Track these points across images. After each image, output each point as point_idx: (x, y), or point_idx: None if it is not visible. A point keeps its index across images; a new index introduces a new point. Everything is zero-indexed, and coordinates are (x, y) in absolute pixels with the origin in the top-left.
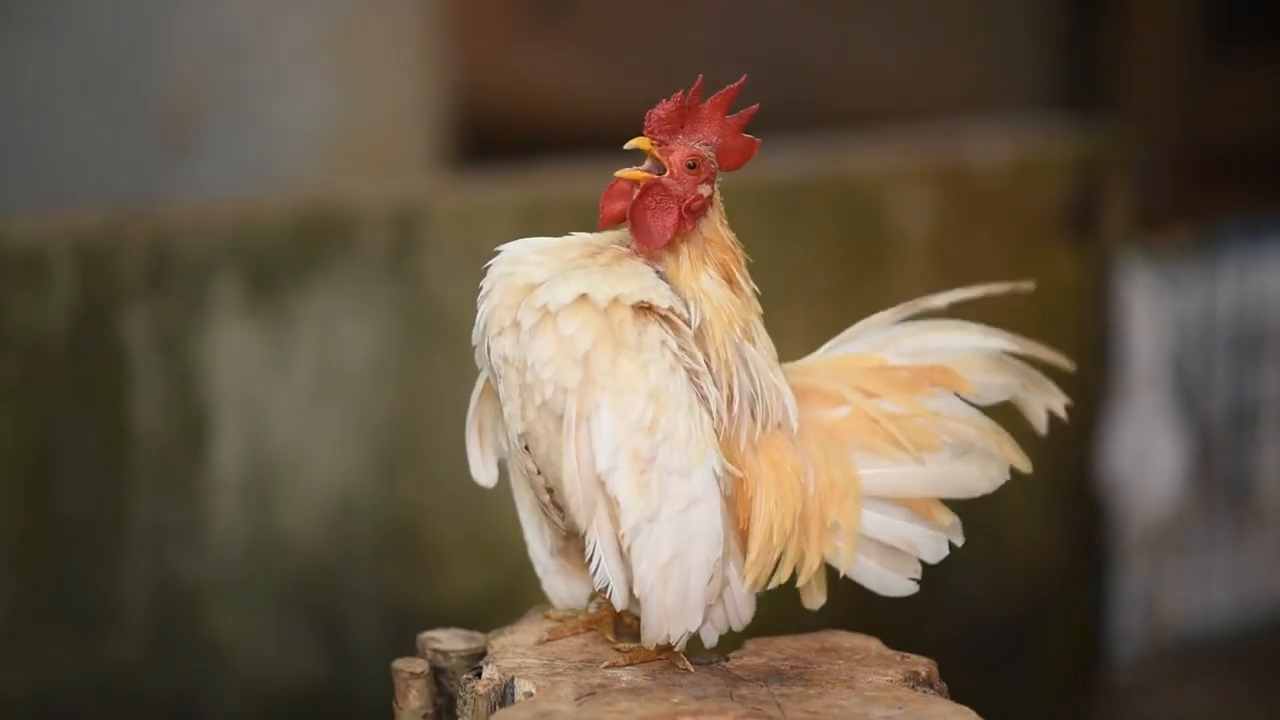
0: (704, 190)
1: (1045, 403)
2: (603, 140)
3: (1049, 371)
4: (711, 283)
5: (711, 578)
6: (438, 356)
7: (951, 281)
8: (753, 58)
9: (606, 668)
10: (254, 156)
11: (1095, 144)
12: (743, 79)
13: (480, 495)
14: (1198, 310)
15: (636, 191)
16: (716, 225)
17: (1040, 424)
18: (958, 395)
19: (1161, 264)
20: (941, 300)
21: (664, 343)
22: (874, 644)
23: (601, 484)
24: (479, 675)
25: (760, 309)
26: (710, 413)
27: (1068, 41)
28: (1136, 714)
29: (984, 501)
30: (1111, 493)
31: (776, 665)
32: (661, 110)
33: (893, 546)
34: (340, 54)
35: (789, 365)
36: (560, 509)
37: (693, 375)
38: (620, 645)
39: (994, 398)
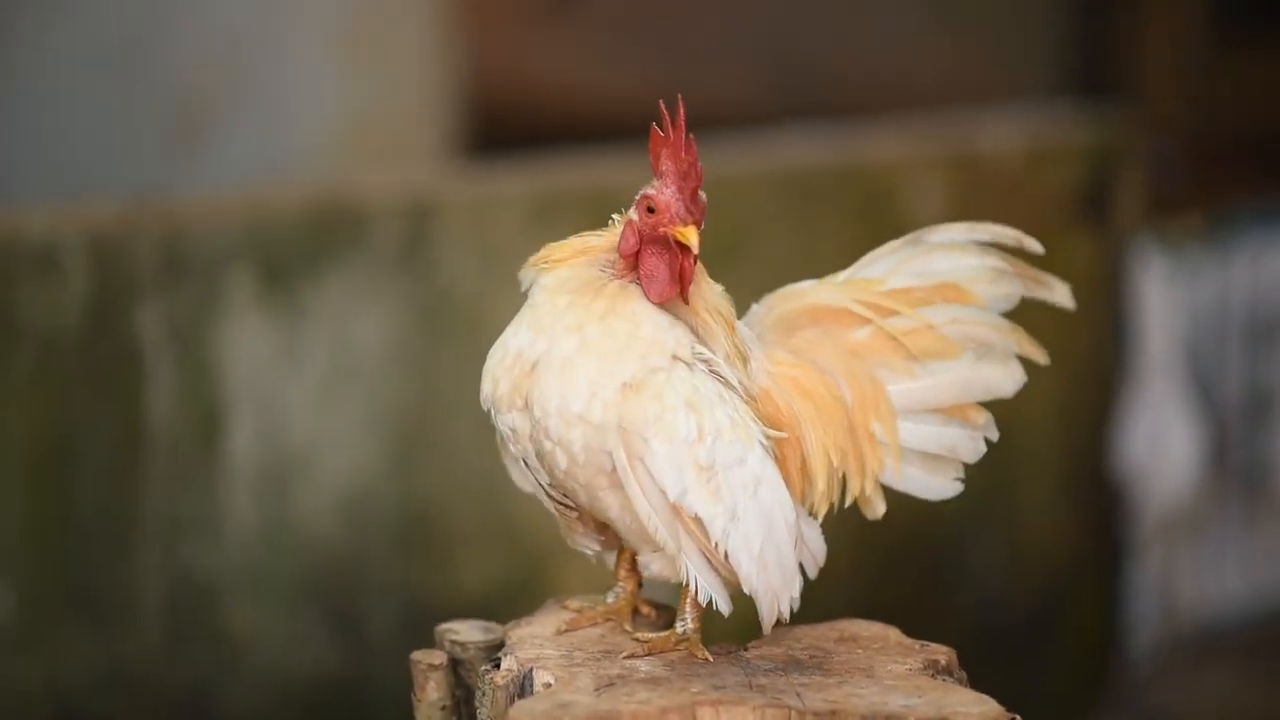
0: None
1: (1050, 298)
2: (615, 132)
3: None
4: None
5: (796, 541)
6: (451, 347)
7: None
8: (764, 47)
9: (625, 658)
10: (266, 149)
11: (1107, 131)
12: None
13: (495, 486)
14: (1211, 297)
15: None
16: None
17: (1065, 299)
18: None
19: (1175, 251)
20: (948, 234)
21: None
22: (893, 632)
23: (678, 509)
24: (497, 666)
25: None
26: (735, 388)
27: (1079, 29)
28: (1152, 700)
29: (1001, 490)
30: (1126, 480)
31: (795, 654)
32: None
33: (934, 454)
34: (352, 45)
35: (804, 286)
36: (599, 531)
37: (708, 365)
38: (638, 635)
39: (1002, 308)
